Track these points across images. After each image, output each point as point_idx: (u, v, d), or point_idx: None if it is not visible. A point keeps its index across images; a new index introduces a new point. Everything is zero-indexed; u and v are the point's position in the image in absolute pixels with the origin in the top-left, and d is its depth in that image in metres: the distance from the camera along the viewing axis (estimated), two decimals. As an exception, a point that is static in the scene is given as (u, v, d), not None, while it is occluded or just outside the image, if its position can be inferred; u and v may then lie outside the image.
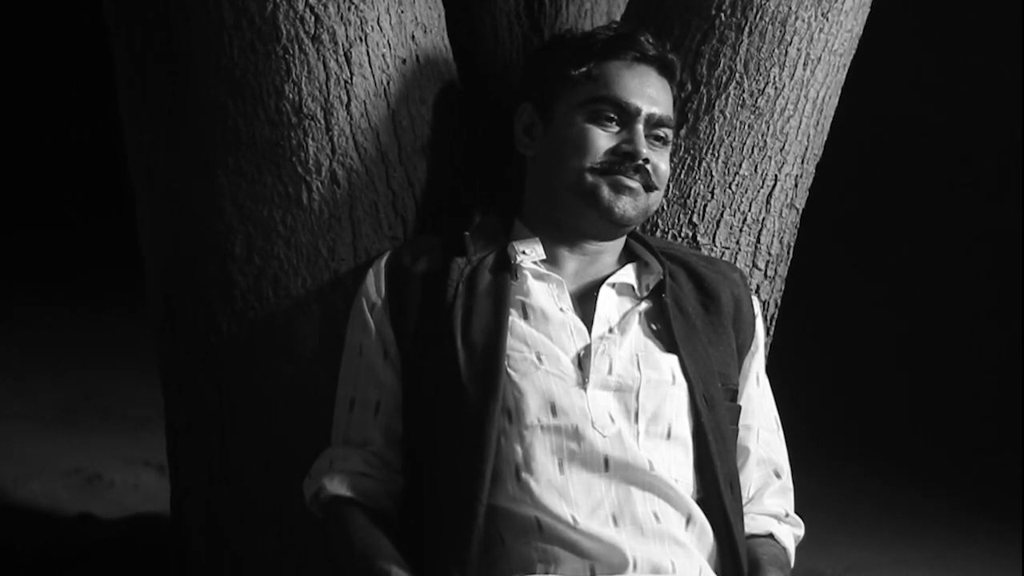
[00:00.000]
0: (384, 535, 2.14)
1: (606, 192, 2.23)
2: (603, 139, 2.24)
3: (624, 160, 2.23)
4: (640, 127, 2.25)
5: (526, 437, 2.12)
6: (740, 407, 2.29)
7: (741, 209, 2.55)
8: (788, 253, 2.64)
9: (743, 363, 2.31)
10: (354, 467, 2.21)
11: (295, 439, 2.42)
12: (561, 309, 2.21)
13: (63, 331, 6.44)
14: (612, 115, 2.25)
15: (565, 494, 2.09)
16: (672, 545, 2.09)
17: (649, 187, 2.25)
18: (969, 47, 6.65)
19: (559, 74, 2.29)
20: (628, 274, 2.28)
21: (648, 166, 2.24)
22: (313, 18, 2.38)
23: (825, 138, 2.64)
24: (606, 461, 2.11)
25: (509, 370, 2.15)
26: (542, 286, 2.23)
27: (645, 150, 2.23)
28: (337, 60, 2.40)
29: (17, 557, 3.24)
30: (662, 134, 2.28)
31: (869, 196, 6.78)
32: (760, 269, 2.58)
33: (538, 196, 2.32)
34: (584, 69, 2.26)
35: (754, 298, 2.39)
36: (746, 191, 2.54)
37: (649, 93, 2.27)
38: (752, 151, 2.54)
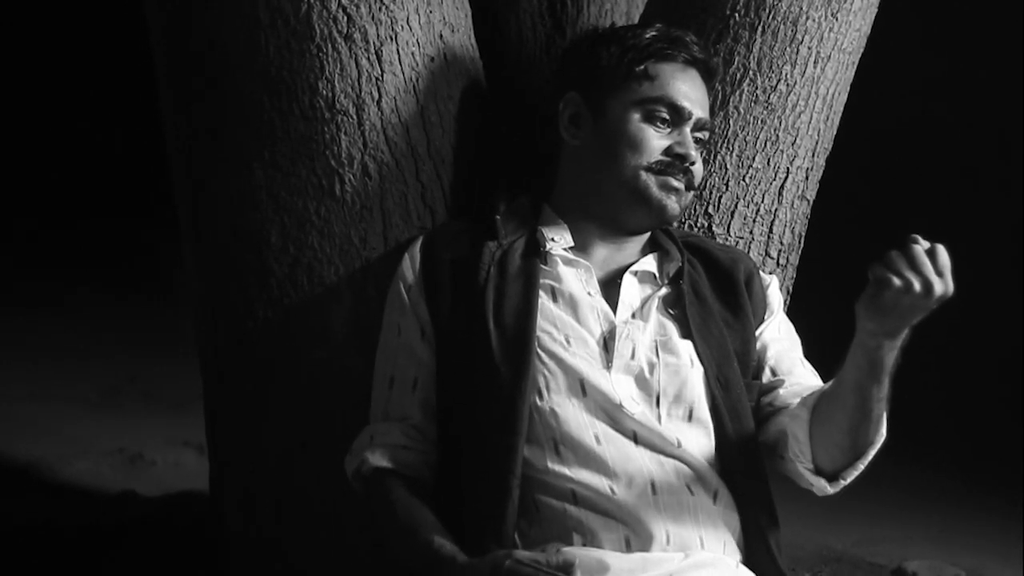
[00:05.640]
0: (425, 505, 2.18)
1: (658, 192, 2.27)
2: (657, 139, 2.28)
3: (675, 161, 2.27)
4: (688, 129, 2.29)
5: (560, 413, 2.16)
6: (760, 383, 2.31)
7: (754, 200, 2.58)
8: (799, 242, 2.67)
9: (760, 329, 2.34)
10: (394, 440, 2.24)
11: (328, 420, 2.45)
12: (589, 293, 2.25)
13: (109, 318, 6.44)
14: (666, 116, 2.28)
15: (603, 465, 2.12)
16: (704, 518, 2.13)
17: (689, 186, 2.30)
18: (974, 44, 6.63)
19: (614, 69, 2.30)
20: (650, 263, 2.32)
21: (693, 168, 2.29)
22: (346, 18, 2.42)
23: (835, 132, 2.67)
24: (635, 436, 2.16)
25: (539, 351, 2.18)
26: (571, 271, 2.27)
27: (694, 153, 2.29)
28: (368, 58, 2.44)
29: (62, 532, 3.25)
30: (702, 136, 2.33)
31: (877, 189, 6.78)
32: (772, 258, 2.61)
33: (576, 184, 2.34)
34: (642, 68, 2.29)
35: (763, 273, 2.41)
36: (759, 183, 2.58)
37: (698, 97, 2.31)
38: (765, 145, 2.57)
